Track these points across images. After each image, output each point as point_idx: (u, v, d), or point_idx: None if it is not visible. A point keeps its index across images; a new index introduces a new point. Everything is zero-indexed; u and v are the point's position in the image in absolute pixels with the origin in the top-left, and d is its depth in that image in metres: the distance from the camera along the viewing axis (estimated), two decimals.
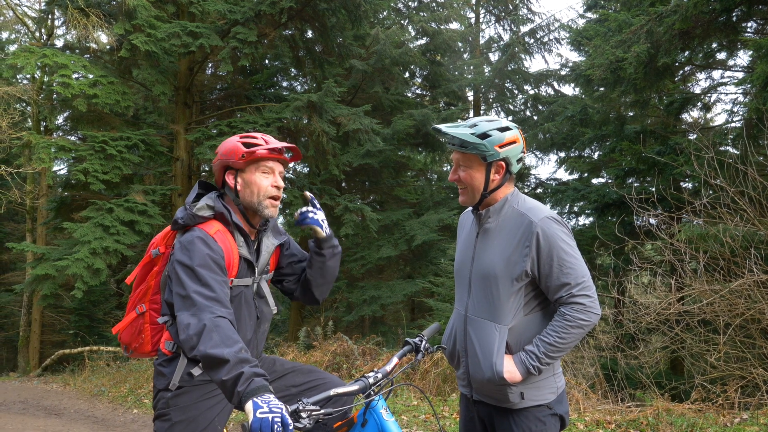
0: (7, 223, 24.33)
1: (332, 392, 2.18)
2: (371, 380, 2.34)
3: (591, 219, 16.22)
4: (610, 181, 15.72)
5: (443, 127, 2.59)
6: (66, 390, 12.47)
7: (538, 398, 2.55)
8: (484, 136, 2.52)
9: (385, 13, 17.50)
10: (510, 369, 2.48)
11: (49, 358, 16.71)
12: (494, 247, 2.60)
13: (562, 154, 18.33)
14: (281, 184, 2.75)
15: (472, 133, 2.53)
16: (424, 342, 2.67)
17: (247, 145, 2.68)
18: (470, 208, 2.85)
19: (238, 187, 2.71)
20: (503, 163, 2.59)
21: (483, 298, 2.59)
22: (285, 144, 2.74)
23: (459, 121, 2.73)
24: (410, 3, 18.56)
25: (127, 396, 10.46)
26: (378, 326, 15.99)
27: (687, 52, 11.49)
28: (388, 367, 2.47)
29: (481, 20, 19.94)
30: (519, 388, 2.51)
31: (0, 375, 19.30)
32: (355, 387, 2.29)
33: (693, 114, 16.19)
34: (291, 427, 1.95)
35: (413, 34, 17.56)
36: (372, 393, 2.36)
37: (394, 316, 17.03)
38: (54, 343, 21.53)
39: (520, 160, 2.65)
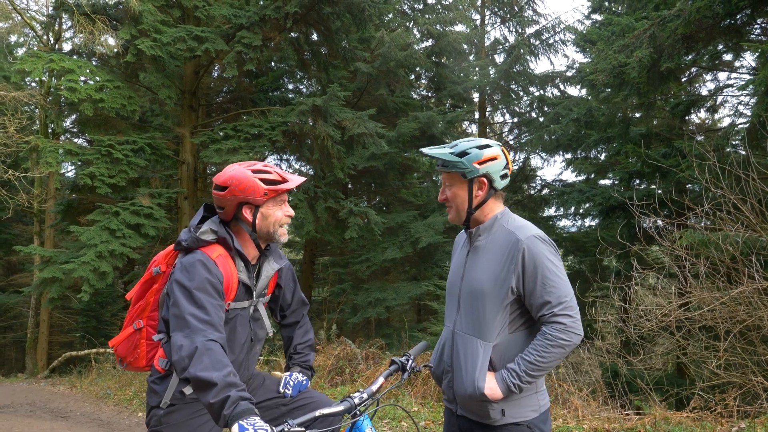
0: (16, 225, 24.52)
1: (318, 413, 2.23)
2: (357, 400, 2.39)
3: (597, 221, 16.22)
4: (615, 183, 15.70)
5: (426, 150, 2.71)
6: (73, 392, 12.58)
7: (518, 416, 2.60)
8: (462, 154, 2.64)
9: (390, 16, 17.53)
10: (491, 386, 2.53)
11: (57, 359, 16.85)
12: (483, 264, 2.66)
13: (569, 156, 18.32)
14: (292, 212, 2.87)
15: (451, 152, 2.65)
16: (410, 361, 2.72)
17: (265, 181, 2.74)
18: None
19: (257, 221, 2.79)
20: (485, 179, 2.68)
21: (471, 314, 2.64)
22: (303, 179, 2.87)
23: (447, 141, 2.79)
24: (415, 5, 18.55)
25: (133, 399, 10.54)
26: (383, 328, 16.02)
27: (691, 55, 11.44)
28: (374, 387, 2.52)
29: (486, 22, 19.91)
30: (500, 405, 2.56)
31: (8, 376, 19.45)
32: (340, 407, 2.33)
33: (701, 115, 16.15)
34: None
35: (418, 36, 17.56)
36: (358, 413, 2.40)
37: (400, 318, 17.07)
38: (62, 344, 21.71)
39: (504, 176, 2.73)
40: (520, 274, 2.54)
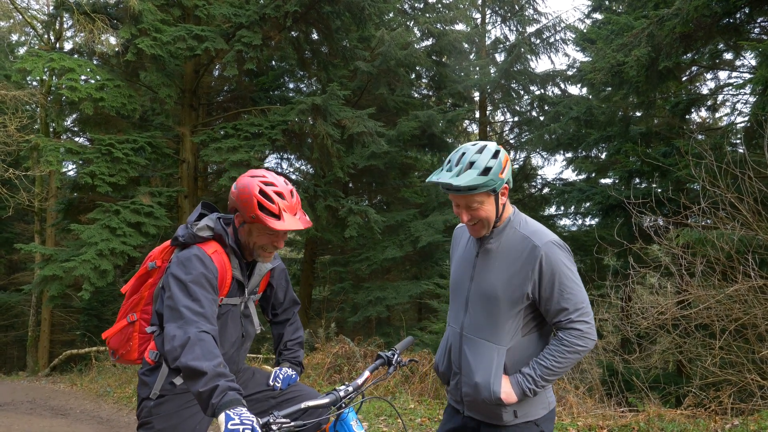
0: (18, 223, 24.57)
1: (303, 405, 2.26)
2: (342, 393, 2.42)
3: (597, 220, 16.21)
4: (616, 181, 15.68)
5: (447, 180, 2.48)
6: (73, 390, 12.63)
7: (529, 415, 2.61)
8: (486, 171, 2.47)
9: (390, 15, 17.51)
10: (507, 390, 2.52)
11: (58, 357, 16.90)
12: (496, 268, 2.61)
13: (569, 155, 18.29)
14: (281, 246, 2.81)
15: (478, 174, 2.46)
16: (396, 355, 2.74)
17: (261, 207, 2.65)
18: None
19: (241, 231, 2.80)
20: (507, 185, 2.60)
21: (482, 317, 2.61)
22: (299, 227, 2.71)
23: (445, 161, 2.66)
24: (416, 4, 18.58)
25: (132, 397, 10.58)
26: (383, 327, 16.05)
27: (690, 54, 11.43)
28: (359, 381, 2.55)
29: (487, 21, 19.87)
30: (512, 407, 2.56)
31: (9, 374, 19.51)
32: (326, 400, 2.36)
33: (702, 114, 16.12)
34: None
35: (419, 35, 17.55)
36: (343, 405, 2.43)
37: (400, 317, 17.14)
38: (63, 342, 21.76)
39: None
40: (536, 281, 2.51)
